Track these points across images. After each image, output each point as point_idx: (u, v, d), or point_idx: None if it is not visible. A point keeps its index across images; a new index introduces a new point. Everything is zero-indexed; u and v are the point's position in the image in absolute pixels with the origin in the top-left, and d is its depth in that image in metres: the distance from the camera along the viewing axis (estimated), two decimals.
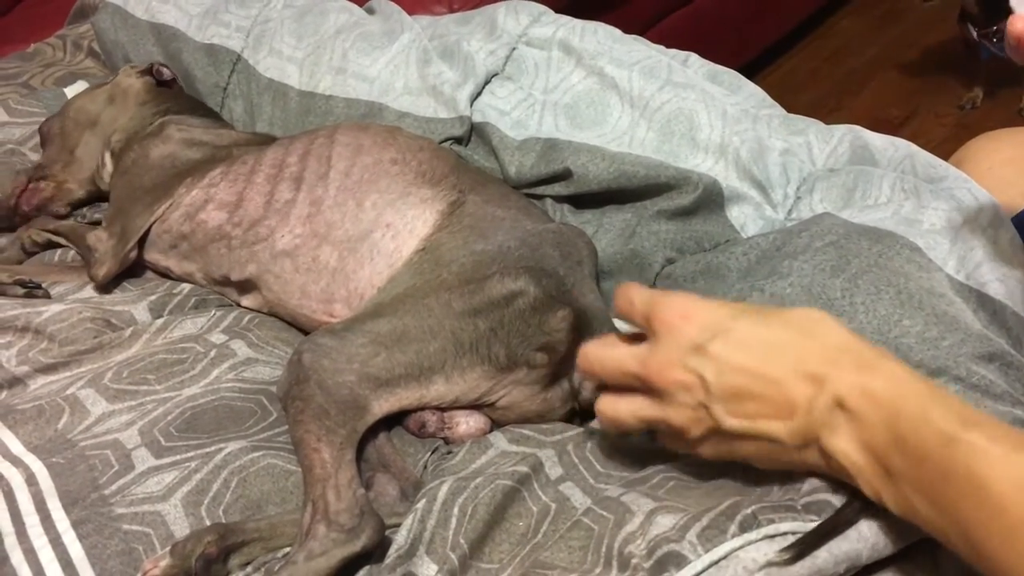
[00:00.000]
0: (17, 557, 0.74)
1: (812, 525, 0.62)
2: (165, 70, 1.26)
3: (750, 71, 1.16)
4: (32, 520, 0.77)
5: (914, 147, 1.04)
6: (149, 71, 1.25)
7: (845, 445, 0.61)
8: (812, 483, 0.66)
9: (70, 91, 1.38)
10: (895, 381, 0.60)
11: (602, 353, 0.73)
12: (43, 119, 1.33)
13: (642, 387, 0.69)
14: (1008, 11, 0.66)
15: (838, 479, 0.64)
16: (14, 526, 0.76)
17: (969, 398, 0.74)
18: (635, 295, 0.71)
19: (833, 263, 0.85)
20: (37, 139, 1.32)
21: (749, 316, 0.67)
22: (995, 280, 0.86)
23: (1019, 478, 0.54)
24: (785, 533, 0.62)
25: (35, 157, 1.30)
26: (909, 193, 0.95)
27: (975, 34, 2.28)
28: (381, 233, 0.96)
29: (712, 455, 0.69)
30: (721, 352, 0.64)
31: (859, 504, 0.62)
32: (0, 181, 1.26)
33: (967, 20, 2.28)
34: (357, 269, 0.96)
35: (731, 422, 0.64)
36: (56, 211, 1.20)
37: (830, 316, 0.66)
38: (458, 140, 1.14)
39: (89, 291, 1.05)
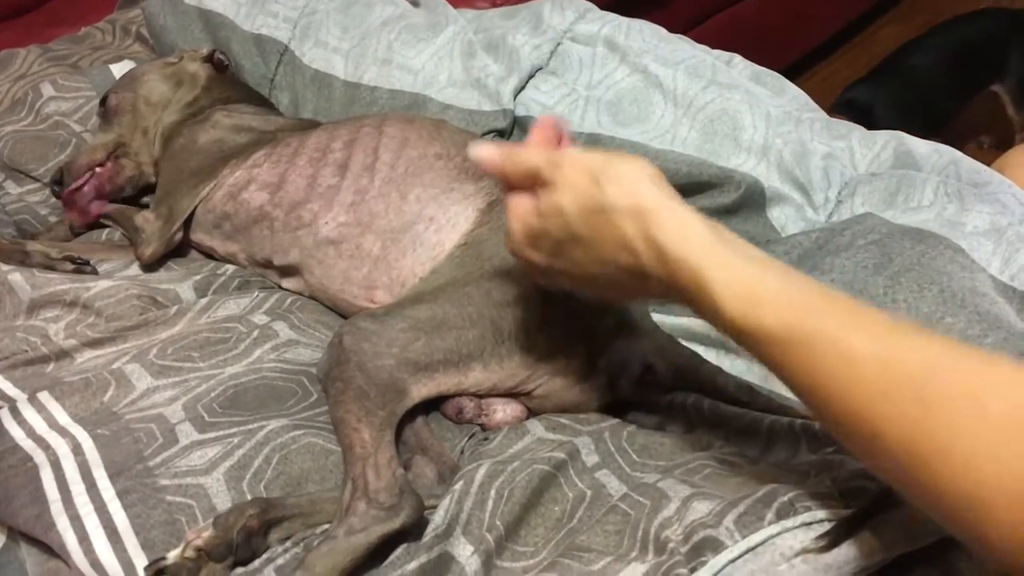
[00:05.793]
0: (63, 523, 0.75)
1: (848, 512, 0.62)
2: (223, 57, 1.27)
3: (788, 75, 1.16)
4: (78, 488, 0.78)
5: (958, 153, 1.04)
6: (210, 58, 1.26)
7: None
8: (850, 468, 0.66)
9: (116, 68, 1.40)
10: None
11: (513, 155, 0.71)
12: (90, 94, 1.35)
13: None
14: None
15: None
16: (60, 494, 0.78)
17: None
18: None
19: (875, 261, 0.86)
20: (82, 112, 1.33)
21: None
22: None
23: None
24: (822, 520, 0.62)
25: (79, 128, 1.31)
26: (952, 197, 0.95)
27: None
28: (424, 226, 0.97)
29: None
30: (565, 265, 0.68)
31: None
32: (43, 152, 1.27)
33: None
34: (400, 258, 0.96)
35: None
36: (128, 194, 1.19)
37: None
38: (501, 133, 1.15)
39: (135, 269, 1.07)
